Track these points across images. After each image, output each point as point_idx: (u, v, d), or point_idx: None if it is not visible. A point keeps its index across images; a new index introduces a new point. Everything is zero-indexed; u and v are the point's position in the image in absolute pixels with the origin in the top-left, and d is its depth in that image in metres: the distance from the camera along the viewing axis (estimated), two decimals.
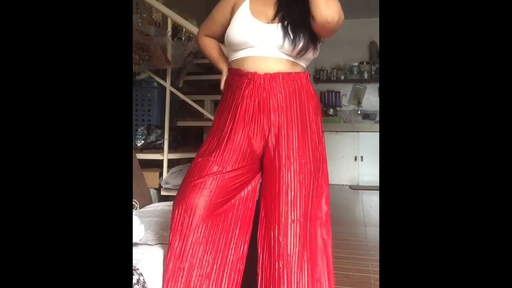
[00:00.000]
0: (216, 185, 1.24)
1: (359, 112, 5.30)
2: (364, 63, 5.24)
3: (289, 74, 1.26)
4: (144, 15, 2.85)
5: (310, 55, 1.29)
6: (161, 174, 2.38)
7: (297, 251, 1.19)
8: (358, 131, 5.00)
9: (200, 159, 1.28)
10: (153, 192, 2.30)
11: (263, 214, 1.27)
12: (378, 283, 1.80)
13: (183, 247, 1.22)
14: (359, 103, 5.31)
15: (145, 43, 2.27)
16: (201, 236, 1.23)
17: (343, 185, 4.96)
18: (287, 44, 1.22)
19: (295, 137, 1.25)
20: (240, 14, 1.29)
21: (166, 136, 2.38)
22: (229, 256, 1.27)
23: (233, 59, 1.32)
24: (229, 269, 1.27)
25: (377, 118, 5.10)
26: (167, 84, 2.46)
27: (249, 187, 1.32)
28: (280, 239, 1.20)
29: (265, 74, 1.24)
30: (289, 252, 1.19)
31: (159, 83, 2.50)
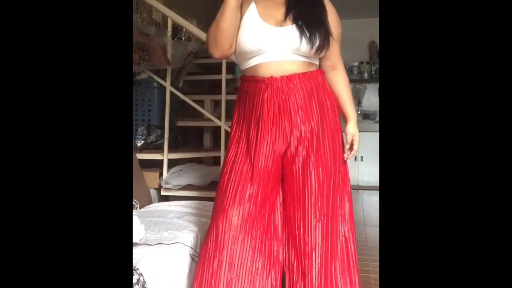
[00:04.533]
0: (254, 198, 1.26)
1: (359, 112, 5.30)
2: (364, 63, 5.23)
3: (305, 74, 1.26)
4: (144, 15, 2.85)
5: (323, 53, 1.29)
6: (161, 174, 2.38)
7: (320, 248, 1.23)
8: (358, 131, 4.98)
9: (232, 169, 1.28)
10: (153, 192, 2.30)
11: (285, 213, 1.30)
12: (378, 283, 1.80)
13: (230, 260, 1.24)
14: (359, 103, 5.31)
15: (145, 43, 2.27)
16: (247, 246, 1.25)
17: None
18: (304, 45, 1.22)
19: (316, 137, 1.25)
20: (249, 18, 1.25)
21: (166, 136, 2.38)
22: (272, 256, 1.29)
23: (246, 67, 1.30)
24: (276, 267, 1.30)
25: (377, 118, 5.09)
26: (167, 84, 2.46)
27: (278, 191, 1.33)
28: (306, 237, 1.24)
29: (282, 77, 1.24)
30: (314, 249, 1.23)
31: (159, 83, 2.50)
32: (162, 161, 2.37)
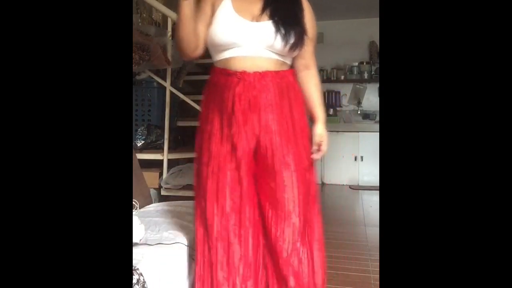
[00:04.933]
0: (230, 195, 1.25)
1: (359, 112, 5.30)
2: (364, 63, 5.23)
3: (277, 72, 1.25)
4: (144, 15, 2.85)
5: (297, 51, 1.28)
6: (161, 174, 2.38)
7: (294, 244, 1.25)
8: (358, 131, 4.99)
9: (207, 169, 1.27)
10: (153, 192, 2.30)
11: (260, 210, 1.29)
12: (378, 283, 1.80)
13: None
14: (359, 103, 5.31)
15: (145, 43, 2.27)
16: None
17: (343, 185, 4.96)
18: (278, 41, 1.21)
19: (285, 135, 1.25)
20: (222, 12, 1.24)
21: (166, 136, 2.38)
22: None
23: (218, 59, 1.28)
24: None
25: (377, 118, 5.10)
26: (167, 84, 2.46)
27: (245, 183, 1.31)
28: (278, 236, 1.24)
29: (255, 73, 1.22)
30: (286, 250, 1.24)
31: (159, 83, 2.50)
32: (162, 161, 2.38)
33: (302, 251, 1.27)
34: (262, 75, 1.23)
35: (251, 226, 1.27)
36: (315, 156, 1.32)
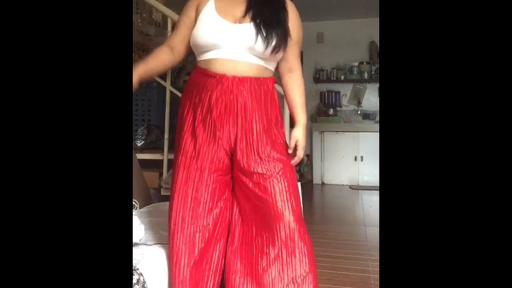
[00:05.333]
0: (207, 201, 1.26)
1: (359, 112, 5.30)
2: (364, 63, 5.24)
3: (257, 79, 1.25)
4: (144, 15, 2.86)
5: (279, 54, 1.27)
6: (161, 174, 2.38)
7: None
8: (358, 131, 4.99)
9: (184, 169, 1.28)
10: (153, 192, 2.30)
11: (240, 215, 1.31)
12: (378, 283, 1.80)
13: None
14: (359, 103, 5.31)
15: (145, 43, 2.27)
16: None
17: (343, 185, 4.96)
18: (259, 43, 1.20)
19: (262, 141, 1.25)
20: (205, 14, 1.26)
21: (166, 136, 2.38)
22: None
23: (201, 59, 1.29)
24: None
25: (377, 118, 5.10)
26: (167, 84, 2.46)
27: (226, 191, 1.32)
28: (258, 242, 1.26)
29: (234, 77, 1.22)
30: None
31: (159, 83, 2.50)
32: (162, 161, 2.37)
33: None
34: (240, 80, 1.23)
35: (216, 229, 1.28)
36: (292, 161, 1.30)
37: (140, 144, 2.48)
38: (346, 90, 5.39)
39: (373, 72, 5.19)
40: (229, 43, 1.22)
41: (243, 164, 1.25)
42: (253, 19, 1.22)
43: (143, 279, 1.17)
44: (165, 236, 1.49)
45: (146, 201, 2.07)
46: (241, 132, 1.24)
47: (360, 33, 5.15)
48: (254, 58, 1.24)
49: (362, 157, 4.93)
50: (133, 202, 1.82)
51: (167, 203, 2.04)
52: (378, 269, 0.85)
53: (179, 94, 2.52)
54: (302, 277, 1.22)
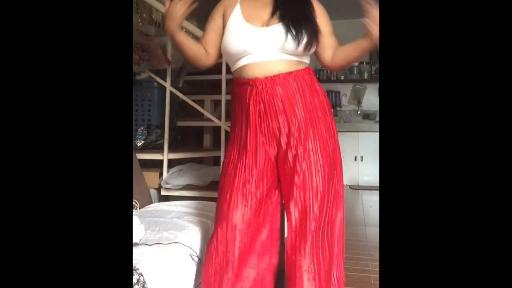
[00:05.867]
0: (251, 201, 1.27)
1: (359, 112, 5.30)
2: (364, 63, 5.24)
3: (289, 73, 1.25)
4: (144, 15, 2.86)
5: (312, 50, 1.29)
6: (161, 174, 2.38)
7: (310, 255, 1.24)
8: (358, 131, 5.00)
9: (227, 173, 1.31)
10: (153, 192, 2.30)
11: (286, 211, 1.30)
12: (378, 283, 1.80)
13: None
14: (359, 103, 5.31)
15: (145, 43, 2.27)
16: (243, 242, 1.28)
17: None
18: (290, 42, 1.21)
19: (304, 136, 1.25)
20: (233, 21, 1.28)
21: (166, 136, 2.38)
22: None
23: (235, 69, 1.32)
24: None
25: (377, 118, 5.10)
26: (167, 84, 2.45)
27: (276, 192, 1.34)
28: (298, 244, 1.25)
29: (266, 78, 1.24)
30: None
31: (159, 83, 2.50)
32: (162, 161, 2.37)
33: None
34: (273, 79, 1.24)
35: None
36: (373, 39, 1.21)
37: (140, 144, 2.48)
38: (346, 90, 5.39)
39: (373, 72, 5.19)
40: (259, 47, 1.24)
41: (288, 162, 1.26)
42: (281, 19, 1.24)
43: (143, 279, 1.17)
44: (165, 236, 1.49)
45: (146, 201, 2.07)
46: (285, 129, 1.25)
47: (360, 33, 5.12)
48: (286, 56, 1.25)
49: (362, 157, 4.94)
50: (133, 202, 1.82)
51: (167, 203, 2.05)
52: (378, 269, 0.85)
53: (179, 94, 2.52)
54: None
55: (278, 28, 1.22)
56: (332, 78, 5.32)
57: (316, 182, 1.24)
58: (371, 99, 5.28)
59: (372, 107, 5.24)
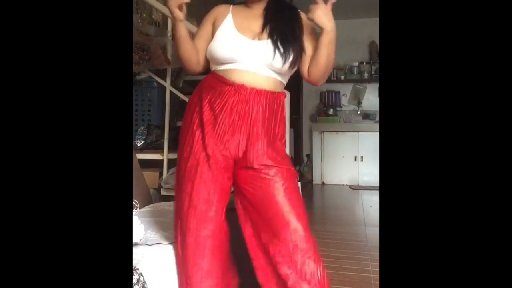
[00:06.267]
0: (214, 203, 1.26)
1: (359, 112, 5.30)
2: (364, 63, 5.24)
3: (273, 93, 1.27)
4: (144, 15, 2.86)
5: (295, 69, 1.30)
6: (161, 174, 2.38)
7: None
8: (358, 131, 5.00)
9: (186, 169, 1.27)
10: (153, 192, 2.30)
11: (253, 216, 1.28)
12: (378, 283, 1.80)
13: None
14: (359, 103, 5.31)
15: (145, 43, 2.27)
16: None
17: (343, 185, 4.96)
18: (277, 60, 1.22)
19: (266, 153, 1.24)
20: (224, 29, 1.28)
21: (166, 136, 2.38)
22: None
23: (218, 69, 1.30)
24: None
25: (377, 118, 5.10)
26: (167, 84, 2.46)
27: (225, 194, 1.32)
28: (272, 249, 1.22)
29: (252, 89, 1.23)
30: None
31: (159, 83, 2.50)
32: (162, 161, 2.37)
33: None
34: (258, 93, 1.24)
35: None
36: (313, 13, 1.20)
37: (140, 144, 2.48)
38: (346, 90, 5.39)
39: (373, 72, 5.19)
40: (248, 58, 1.24)
41: (249, 163, 1.25)
42: (270, 35, 1.24)
43: (143, 279, 1.17)
44: (165, 236, 1.49)
45: (146, 201, 2.08)
46: (250, 141, 1.24)
47: (360, 33, 5.15)
48: (271, 72, 1.26)
49: (362, 157, 4.94)
50: (133, 202, 1.82)
51: (167, 203, 2.05)
52: (378, 269, 0.85)
53: (179, 94, 2.52)
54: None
55: (266, 44, 1.23)
56: (332, 78, 5.32)
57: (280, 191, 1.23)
58: (371, 99, 5.28)
59: (372, 107, 5.24)
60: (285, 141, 1.33)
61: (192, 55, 1.31)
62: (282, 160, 1.27)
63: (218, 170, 1.26)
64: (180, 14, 1.20)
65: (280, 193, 1.22)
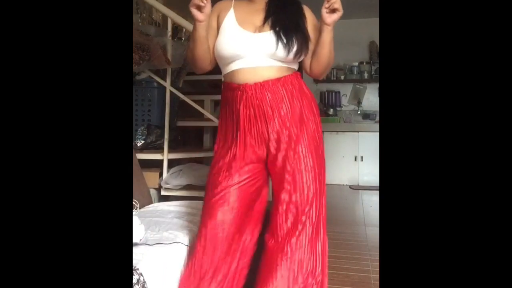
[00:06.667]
0: (237, 198, 1.28)
1: (359, 112, 5.30)
2: (364, 63, 5.24)
3: (278, 79, 1.27)
4: (144, 15, 2.86)
5: (302, 58, 1.31)
6: (161, 174, 2.38)
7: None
8: (358, 131, 5.00)
9: (215, 174, 1.32)
10: (153, 192, 2.30)
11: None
12: (378, 283, 1.80)
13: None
14: (359, 103, 5.31)
15: (145, 43, 2.27)
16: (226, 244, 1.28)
17: (343, 185, 4.96)
18: (281, 50, 1.23)
19: (295, 141, 1.26)
20: (226, 25, 1.29)
21: (166, 136, 2.38)
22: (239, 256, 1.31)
23: (225, 73, 1.33)
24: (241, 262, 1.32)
25: (377, 118, 5.10)
26: (167, 84, 2.45)
27: (263, 192, 1.35)
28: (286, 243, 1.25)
29: (256, 84, 1.25)
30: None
31: (159, 83, 2.50)
32: (162, 161, 2.37)
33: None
34: (262, 85, 1.25)
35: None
36: (330, 18, 1.21)
37: (140, 144, 2.48)
38: (346, 90, 5.39)
39: (373, 72, 5.19)
40: (251, 52, 1.25)
41: (277, 166, 1.28)
42: (273, 27, 1.25)
43: (143, 279, 1.17)
44: (165, 236, 1.49)
45: (146, 201, 2.08)
46: (274, 134, 1.26)
47: (360, 33, 5.15)
48: (276, 62, 1.27)
49: (362, 157, 4.93)
50: (133, 202, 1.82)
51: (167, 203, 2.05)
52: (378, 269, 0.85)
53: (179, 94, 2.52)
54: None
55: (269, 36, 1.24)
56: (332, 78, 5.32)
57: (307, 183, 1.26)
58: (371, 99, 5.28)
59: (372, 107, 5.24)
60: (318, 118, 1.33)
61: (207, 55, 1.32)
62: (306, 151, 1.27)
63: (253, 166, 1.29)
64: (199, 15, 1.20)
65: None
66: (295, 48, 1.24)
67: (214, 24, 1.33)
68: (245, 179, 1.29)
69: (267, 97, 1.25)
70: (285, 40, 1.23)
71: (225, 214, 1.27)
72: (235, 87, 1.28)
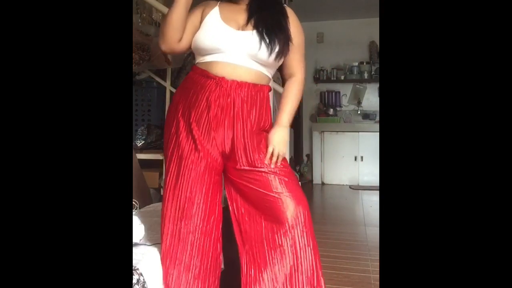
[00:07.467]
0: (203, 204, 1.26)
1: (359, 112, 5.30)
2: (364, 63, 5.24)
3: (255, 85, 1.27)
4: (144, 15, 2.86)
5: (281, 60, 1.30)
6: (161, 174, 2.38)
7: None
8: (358, 131, 5.00)
9: (176, 165, 1.27)
10: (153, 192, 2.30)
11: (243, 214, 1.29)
12: (378, 283, 1.80)
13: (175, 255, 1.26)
14: (359, 103, 5.31)
15: (145, 43, 2.28)
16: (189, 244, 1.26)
17: (343, 185, 4.97)
18: (263, 50, 1.23)
19: (252, 147, 1.25)
20: (210, 20, 1.28)
21: None
22: (210, 255, 1.29)
23: (201, 61, 1.30)
24: (213, 266, 1.30)
25: (377, 118, 5.10)
26: (167, 84, 2.46)
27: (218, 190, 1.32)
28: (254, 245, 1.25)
29: (233, 81, 1.24)
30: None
31: (159, 83, 2.50)
32: (162, 161, 2.37)
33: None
34: (239, 85, 1.24)
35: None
36: (267, 162, 1.26)
37: (140, 144, 2.48)
38: (346, 90, 5.39)
39: (373, 72, 5.20)
40: (232, 48, 1.24)
41: (240, 165, 1.26)
42: (256, 26, 1.25)
43: (143, 279, 1.17)
44: None
45: (146, 201, 2.08)
46: (236, 134, 1.25)
47: (360, 33, 5.15)
48: (255, 64, 1.26)
49: (362, 157, 4.94)
50: (133, 202, 1.82)
51: None
52: (378, 269, 0.85)
53: None
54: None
55: (251, 35, 1.24)
56: (332, 78, 5.33)
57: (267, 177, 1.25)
58: (371, 99, 5.28)
59: (372, 107, 5.24)
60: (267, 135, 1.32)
61: (180, 26, 1.26)
62: (262, 156, 1.26)
63: (207, 164, 1.26)
64: None
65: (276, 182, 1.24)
66: (277, 49, 1.24)
67: (199, 15, 1.31)
68: (210, 176, 1.26)
69: (239, 98, 1.24)
70: (267, 40, 1.23)
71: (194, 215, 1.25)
72: (210, 76, 1.25)
